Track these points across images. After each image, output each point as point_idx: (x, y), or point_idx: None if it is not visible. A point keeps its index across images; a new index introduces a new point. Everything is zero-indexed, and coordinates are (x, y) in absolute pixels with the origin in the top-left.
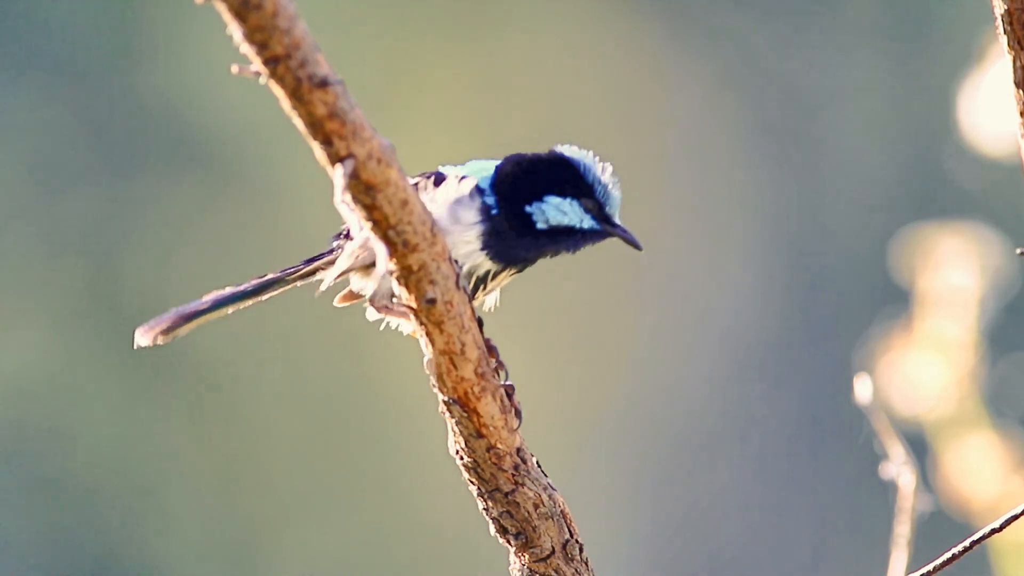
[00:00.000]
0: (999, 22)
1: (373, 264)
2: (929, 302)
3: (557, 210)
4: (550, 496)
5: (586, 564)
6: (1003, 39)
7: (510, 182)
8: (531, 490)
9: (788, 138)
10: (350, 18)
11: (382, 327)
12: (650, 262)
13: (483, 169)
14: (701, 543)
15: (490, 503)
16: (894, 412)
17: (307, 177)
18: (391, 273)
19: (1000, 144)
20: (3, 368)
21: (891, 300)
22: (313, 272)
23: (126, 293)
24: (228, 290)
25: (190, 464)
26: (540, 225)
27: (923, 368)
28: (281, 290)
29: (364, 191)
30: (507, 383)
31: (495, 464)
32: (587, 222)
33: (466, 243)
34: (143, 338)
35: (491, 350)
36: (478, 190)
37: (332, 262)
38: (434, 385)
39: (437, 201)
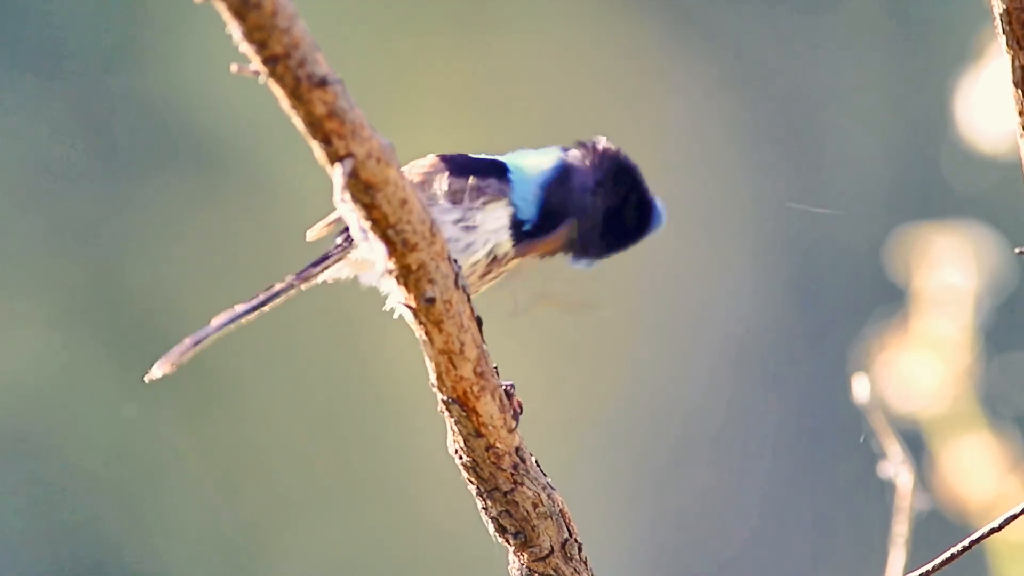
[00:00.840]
0: (998, 21)
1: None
2: (925, 301)
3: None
4: (549, 495)
5: (585, 563)
6: (1002, 38)
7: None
8: (530, 489)
9: (788, 138)
10: (349, 17)
11: (382, 320)
12: (650, 262)
13: (530, 170)
14: (700, 542)
15: (489, 502)
16: (890, 411)
17: (306, 176)
18: (390, 272)
19: (997, 143)
20: (2, 366)
21: (892, 299)
22: (319, 274)
23: (125, 292)
24: (238, 308)
25: (190, 464)
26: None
27: (919, 367)
28: (287, 297)
29: (363, 190)
30: (507, 383)
31: (494, 463)
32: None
33: (497, 219)
34: (161, 370)
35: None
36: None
37: (340, 260)
38: (433, 384)
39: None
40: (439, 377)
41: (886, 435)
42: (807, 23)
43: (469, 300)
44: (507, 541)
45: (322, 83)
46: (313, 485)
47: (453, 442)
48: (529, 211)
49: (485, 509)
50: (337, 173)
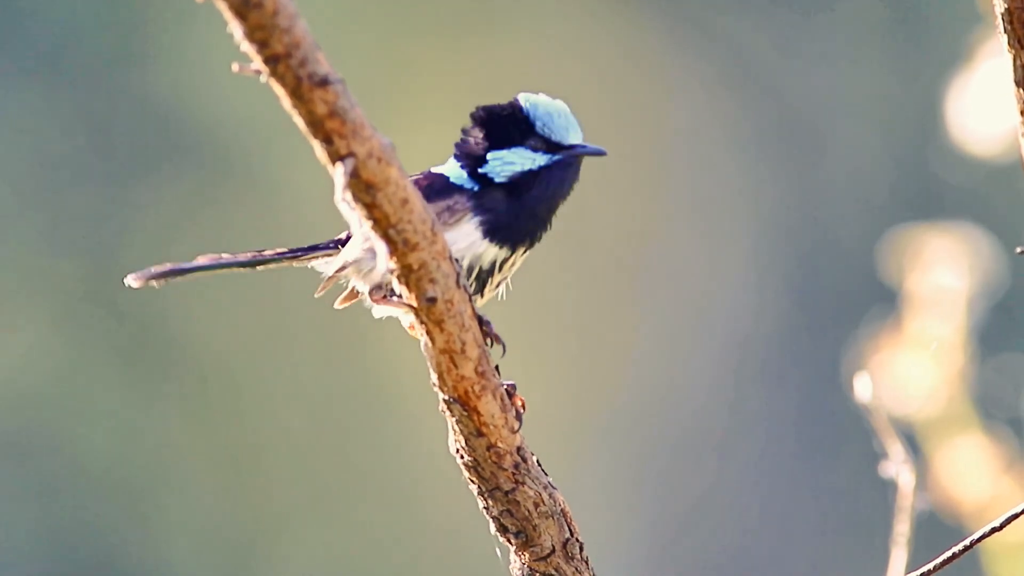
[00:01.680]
0: (999, 21)
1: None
2: (919, 302)
3: (503, 162)
4: (550, 495)
5: (586, 563)
6: (1003, 38)
7: (468, 153)
8: (531, 489)
9: (788, 139)
10: (350, 17)
11: (383, 320)
12: (650, 262)
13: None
14: (701, 542)
15: (490, 502)
16: (885, 412)
17: (307, 175)
18: (391, 272)
19: (991, 145)
20: (3, 366)
21: (892, 299)
22: (310, 259)
23: (126, 292)
24: (225, 257)
25: (190, 464)
26: (499, 179)
27: (913, 368)
28: (275, 266)
29: (364, 190)
30: (508, 382)
31: (495, 463)
32: (539, 160)
33: (466, 236)
34: (135, 281)
35: (484, 324)
36: (449, 181)
37: (329, 256)
38: (434, 384)
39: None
40: (440, 376)
41: (887, 435)
42: (806, 25)
43: (470, 299)
44: (508, 540)
45: (323, 82)
46: (314, 485)
47: (454, 441)
48: (501, 207)
49: (486, 509)
50: (338, 172)
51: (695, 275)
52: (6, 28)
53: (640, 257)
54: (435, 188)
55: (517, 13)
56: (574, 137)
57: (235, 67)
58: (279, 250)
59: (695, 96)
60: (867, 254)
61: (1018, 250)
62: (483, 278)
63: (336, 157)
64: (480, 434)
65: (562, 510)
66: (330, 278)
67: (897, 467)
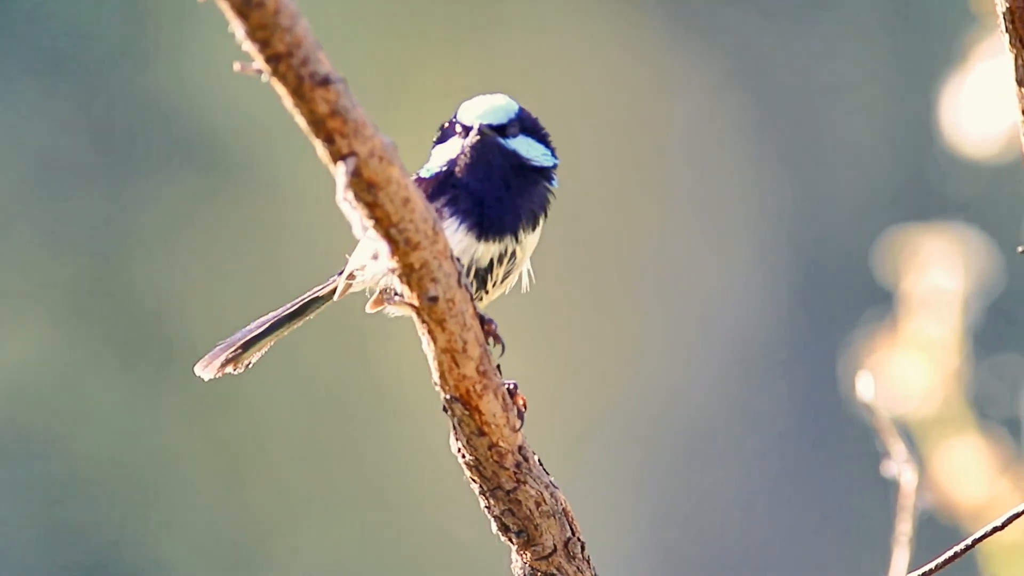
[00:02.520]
0: (1000, 20)
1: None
2: (914, 303)
3: (436, 156)
4: (552, 494)
5: (588, 562)
6: (1004, 37)
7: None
8: (533, 488)
9: (791, 137)
10: (352, 16)
11: (382, 320)
12: (651, 261)
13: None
14: (703, 542)
15: (492, 501)
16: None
17: (309, 175)
18: (392, 271)
19: (986, 146)
20: (3, 366)
21: (890, 299)
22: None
23: (127, 291)
24: (273, 314)
25: (191, 463)
26: (431, 173)
27: (909, 369)
28: (325, 306)
29: (366, 189)
30: (510, 382)
31: (497, 462)
32: (458, 146)
33: (458, 243)
34: (206, 371)
35: (486, 323)
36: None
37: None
38: (436, 383)
39: None
40: (442, 376)
41: (889, 434)
42: (809, 21)
43: (472, 299)
44: (510, 540)
45: (324, 82)
46: (315, 484)
47: (456, 441)
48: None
49: (488, 508)
50: (340, 172)
51: (696, 274)
52: (7, 28)
53: (641, 257)
54: (429, 188)
55: (518, 13)
56: (479, 118)
57: (237, 66)
58: (319, 288)
59: (695, 97)
60: (869, 254)
61: (1020, 249)
62: (482, 275)
63: (338, 156)
64: (482, 433)
65: (564, 509)
66: (344, 287)
67: (899, 467)
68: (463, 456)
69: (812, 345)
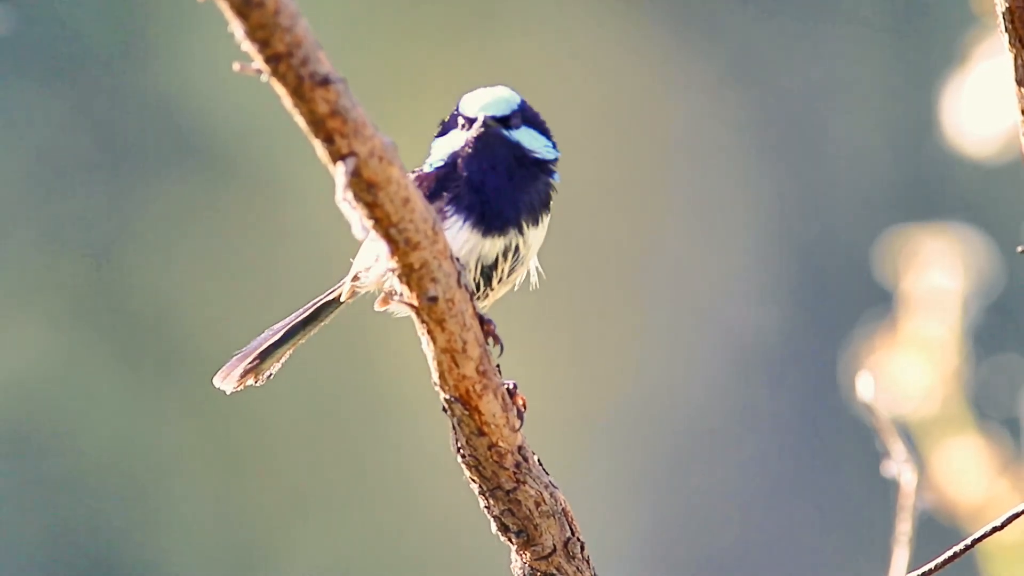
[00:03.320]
0: (1000, 20)
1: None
2: (914, 303)
3: (437, 149)
4: (551, 494)
5: (587, 562)
6: (1004, 37)
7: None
8: (532, 488)
9: (791, 137)
10: (352, 16)
11: (383, 319)
12: (651, 261)
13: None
14: (702, 542)
15: (491, 501)
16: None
17: (308, 175)
18: (392, 271)
19: (986, 146)
20: (3, 366)
21: (890, 299)
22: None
23: (127, 291)
24: (284, 321)
25: (191, 463)
26: (434, 167)
27: (909, 369)
28: (338, 310)
29: (366, 189)
30: (510, 382)
31: (496, 462)
32: (461, 138)
33: (465, 242)
34: (226, 384)
35: (486, 323)
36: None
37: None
38: (435, 383)
39: None
40: (442, 376)
41: (889, 434)
42: (807, 25)
43: (472, 299)
44: (509, 540)
45: (324, 82)
46: (315, 484)
47: (455, 441)
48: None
49: (488, 508)
50: (339, 172)
51: (696, 274)
52: (10, 27)
53: (641, 257)
54: (427, 187)
55: (518, 12)
56: (482, 110)
57: (236, 66)
58: (328, 292)
59: (695, 97)
60: (868, 254)
61: (1020, 249)
62: (487, 272)
63: (337, 156)
64: (481, 433)
65: (563, 509)
66: (351, 289)
67: (899, 467)
68: (463, 456)
69: (812, 345)
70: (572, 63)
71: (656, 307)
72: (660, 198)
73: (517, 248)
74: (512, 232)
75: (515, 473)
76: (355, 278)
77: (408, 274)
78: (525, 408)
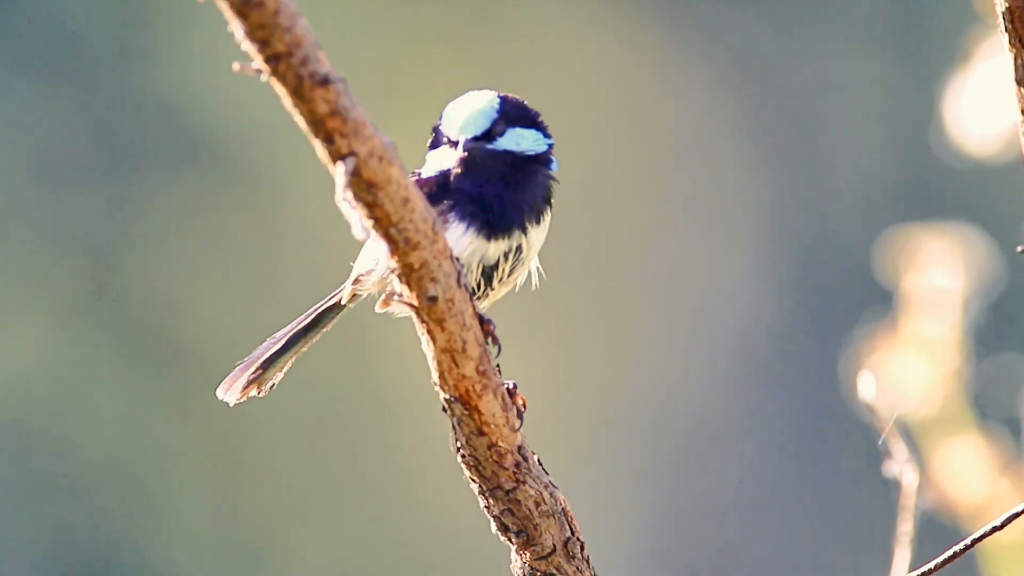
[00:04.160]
0: (1000, 20)
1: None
2: (914, 302)
3: (429, 163)
4: (551, 494)
5: (587, 562)
6: (1004, 37)
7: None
8: (532, 488)
9: (790, 137)
10: (352, 16)
11: (383, 319)
12: (650, 261)
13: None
14: (702, 542)
15: (491, 501)
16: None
17: (308, 174)
18: (392, 271)
19: (987, 146)
20: (3, 366)
21: (890, 299)
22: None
23: (128, 291)
24: (285, 329)
25: (192, 463)
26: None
27: (909, 368)
28: (339, 316)
29: (365, 189)
30: (510, 381)
31: (496, 462)
32: (449, 156)
33: (468, 245)
34: (231, 396)
35: (485, 323)
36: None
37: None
38: (435, 383)
39: None
40: (441, 376)
41: (890, 434)
42: (807, 25)
43: (472, 299)
44: (509, 540)
45: (324, 81)
46: (315, 484)
47: (455, 440)
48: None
49: (487, 508)
50: (339, 172)
51: (695, 274)
52: (7, 27)
53: (641, 257)
54: (428, 189)
55: (518, 12)
56: (461, 132)
57: (236, 66)
58: (329, 298)
59: (695, 97)
60: (869, 254)
61: (1020, 249)
62: (488, 272)
63: (337, 156)
64: (481, 433)
65: (563, 509)
66: (352, 291)
67: (900, 466)
68: (463, 456)
69: (812, 345)
70: (571, 63)
71: (656, 307)
72: (659, 198)
73: (520, 248)
74: (516, 233)
75: (515, 473)
76: (356, 281)
77: (408, 274)
78: (525, 408)
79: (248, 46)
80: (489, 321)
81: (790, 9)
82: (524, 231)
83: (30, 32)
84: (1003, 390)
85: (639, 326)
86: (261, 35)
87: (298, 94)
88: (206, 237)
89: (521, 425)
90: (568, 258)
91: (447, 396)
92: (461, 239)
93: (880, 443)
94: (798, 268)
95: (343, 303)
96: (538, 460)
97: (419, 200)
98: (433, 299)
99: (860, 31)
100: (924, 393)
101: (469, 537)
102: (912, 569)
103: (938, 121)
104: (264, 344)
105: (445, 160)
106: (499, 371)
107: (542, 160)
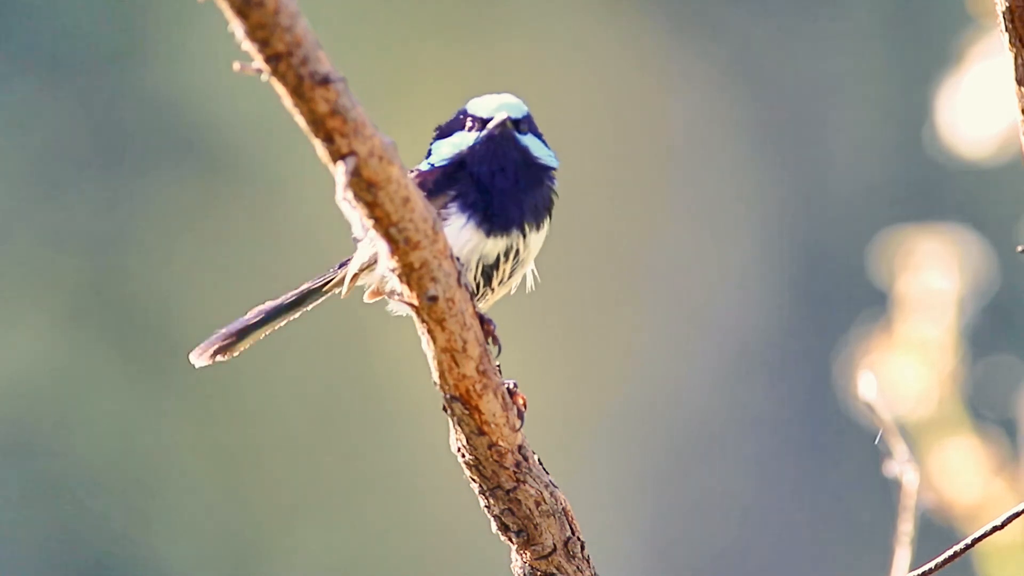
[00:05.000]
0: (1000, 19)
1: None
2: (910, 303)
3: (441, 149)
4: (551, 493)
5: (587, 561)
6: (1003, 36)
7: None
8: (532, 487)
9: (789, 136)
10: (352, 16)
11: (383, 319)
12: (651, 261)
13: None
14: (702, 541)
15: (491, 500)
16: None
17: (309, 174)
18: (392, 271)
19: (982, 147)
20: (4, 365)
21: (886, 300)
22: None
23: (128, 290)
24: (269, 304)
25: (192, 462)
26: (438, 164)
27: (904, 370)
28: (321, 299)
29: (366, 188)
30: (510, 381)
31: (496, 461)
32: (469, 139)
33: (467, 241)
34: (199, 359)
35: (486, 323)
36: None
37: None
38: (436, 382)
39: None
40: (442, 375)
41: (891, 434)
42: (806, 24)
43: (472, 298)
44: (509, 539)
45: (324, 81)
46: (315, 483)
47: (455, 440)
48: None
49: (488, 507)
50: (339, 171)
51: (695, 274)
52: (8, 26)
53: (641, 256)
54: (430, 184)
55: (518, 12)
56: (500, 109)
57: (236, 66)
58: (317, 280)
59: (695, 96)
60: (866, 254)
61: (1020, 248)
62: (488, 272)
63: (337, 156)
64: (481, 433)
65: (563, 509)
66: (349, 284)
67: (900, 467)
68: (463, 455)
69: (811, 345)
70: (572, 62)
71: (655, 307)
72: (659, 197)
73: (518, 251)
74: (515, 233)
75: (515, 472)
76: (354, 277)
77: (408, 273)
78: (525, 407)
79: (248, 46)
80: (489, 321)
81: (790, 9)
82: (523, 233)
83: (30, 32)
84: (998, 391)
85: (639, 326)
86: (261, 35)
87: (298, 94)
88: (206, 236)
89: (521, 425)
90: (568, 258)
91: (447, 396)
92: (461, 232)
93: (878, 443)
94: (797, 268)
95: (341, 296)
96: (538, 459)
97: (419, 199)
98: (433, 299)
99: (859, 31)
100: (920, 394)
101: (469, 537)
102: (912, 569)
103: (933, 122)
104: (246, 315)
105: (463, 142)
106: (499, 371)
107: (549, 175)
